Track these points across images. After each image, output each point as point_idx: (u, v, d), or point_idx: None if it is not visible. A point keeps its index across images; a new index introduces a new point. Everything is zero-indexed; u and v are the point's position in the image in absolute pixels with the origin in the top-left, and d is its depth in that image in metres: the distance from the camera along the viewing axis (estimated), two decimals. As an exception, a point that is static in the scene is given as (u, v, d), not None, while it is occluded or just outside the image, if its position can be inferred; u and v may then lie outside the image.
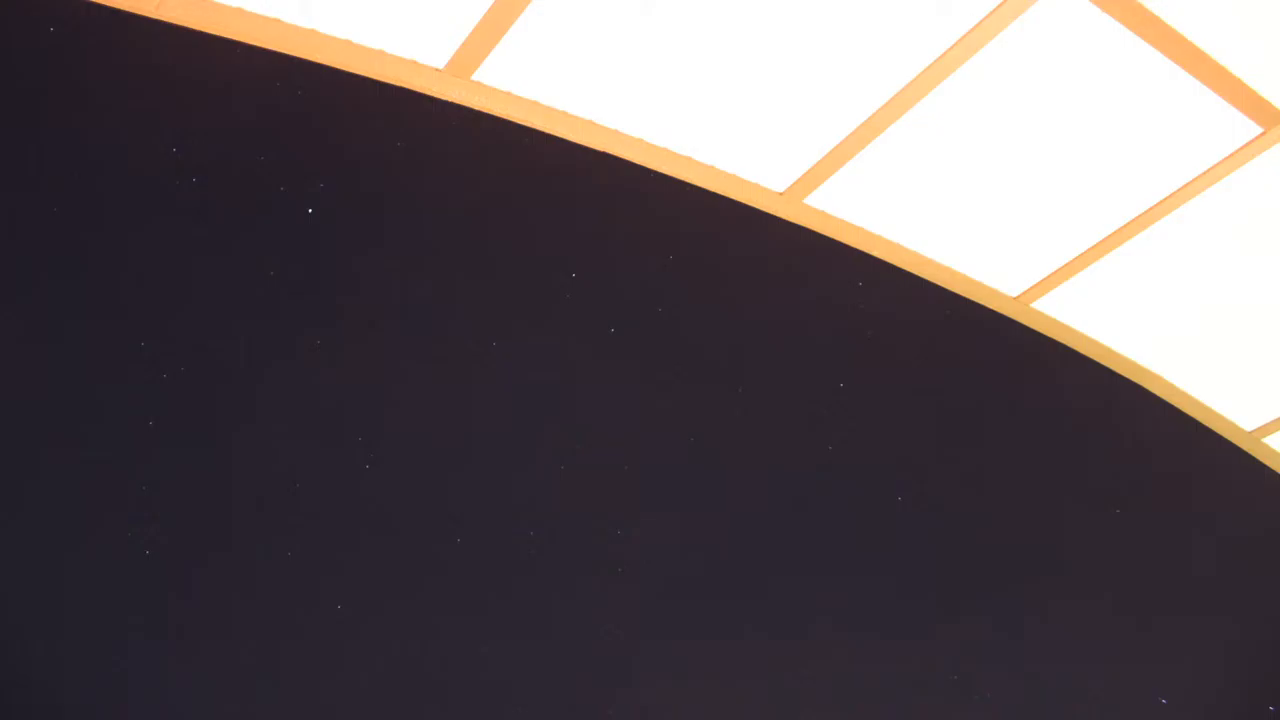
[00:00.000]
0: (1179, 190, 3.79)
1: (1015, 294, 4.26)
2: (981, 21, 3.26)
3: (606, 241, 3.68)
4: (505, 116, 3.45)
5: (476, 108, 3.43)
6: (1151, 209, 3.87)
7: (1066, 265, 4.13)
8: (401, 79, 3.32)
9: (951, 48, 3.34)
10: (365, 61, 3.25)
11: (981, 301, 4.25)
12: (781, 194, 3.85)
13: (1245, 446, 4.81)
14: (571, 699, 3.58)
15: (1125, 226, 3.96)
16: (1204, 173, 3.71)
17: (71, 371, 2.96)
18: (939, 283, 4.17)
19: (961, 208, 3.95)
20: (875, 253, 4.05)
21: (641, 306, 3.73)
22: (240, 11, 3.07)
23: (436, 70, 3.35)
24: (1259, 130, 3.55)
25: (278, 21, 3.12)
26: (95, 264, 2.99)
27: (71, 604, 2.95)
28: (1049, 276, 4.17)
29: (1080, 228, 4.00)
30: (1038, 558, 4.40)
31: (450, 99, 3.39)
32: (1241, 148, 3.60)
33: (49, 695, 2.90)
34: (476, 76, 3.38)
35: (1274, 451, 4.85)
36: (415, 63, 3.32)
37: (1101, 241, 4.03)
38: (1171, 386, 4.57)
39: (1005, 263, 4.15)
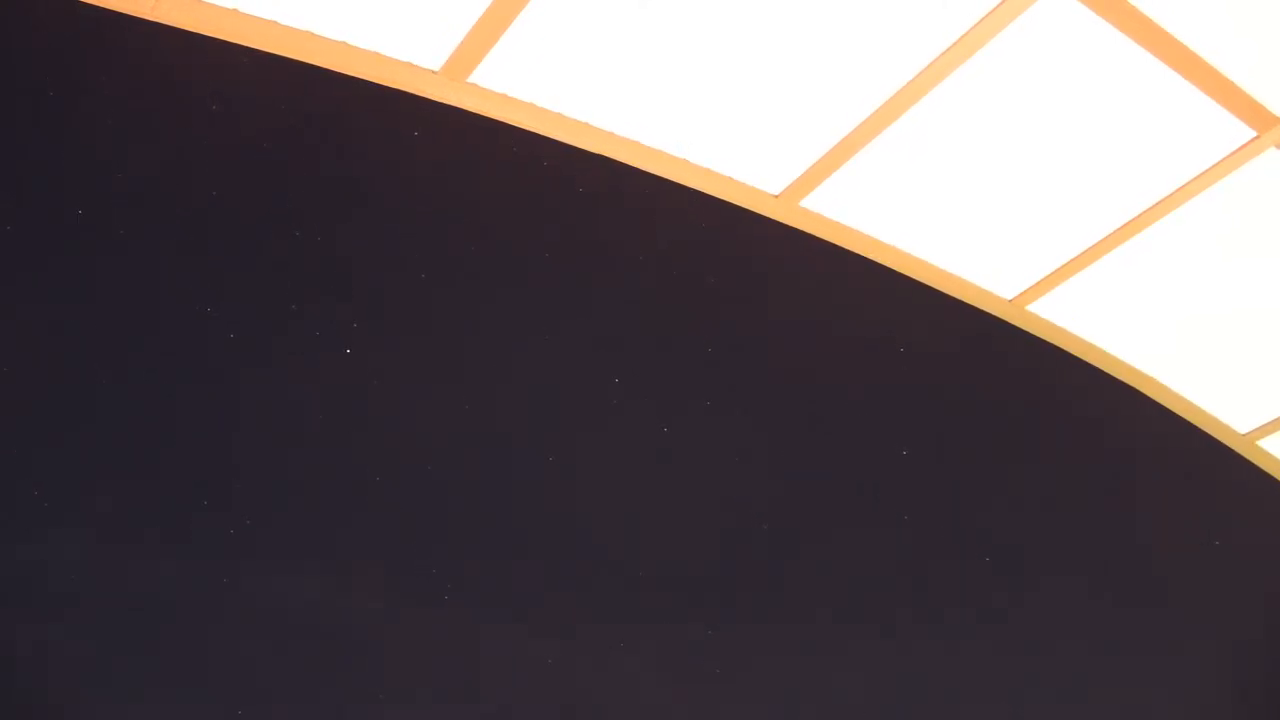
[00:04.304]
0: (1174, 194, 3.79)
1: (1010, 297, 4.27)
2: (976, 26, 3.27)
3: (602, 242, 3.69)
4: (501, 119, 3.46)
5: (472, 110, 3.43)
6: (1146, 212, 3.88)
7: (1062, 268, 4.13)
8: (398, 81, 3.32)
9: (946, 52, 3.35)
10: (361, 64, 3.26)
11: (977, 305, 4.26)
12: (777, 197, 3.85)
13: (1239, 449, 4.82)
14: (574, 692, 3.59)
15: (1120, 230, 3.96)
16: (1198, 176, 3.71)
17: (70, 369, 2.97)
18: (935, 286, 4.17)
19: (957, 211, 3.95)
20: (870, 255, 4.05)
21: (636, 306, 3.74)
22: (235, 13, 3.08)
23: (433, 73, 3.35)
24: (1253, 134, 3.56)
25: (274, 24, 3.13)
26: (93, 262, 2.99)
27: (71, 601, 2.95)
28: (1044, 280, 4.18)
29: (1075, 231, 4.00)
30: (1032, 558, 4.40)
31: (446, 101, 3.39)
32: (1235, 151, 3.61)
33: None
34: (473, 79, 3.39)
35: (1268, 454, 4.85)
36: (411, 65, 3.32)
37: (1097, 245, 4.03)
38: (1166, 389, 4.57)
39: (1000, 266, 4.15)
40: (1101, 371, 4.50)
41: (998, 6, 3.21)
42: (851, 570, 4.09)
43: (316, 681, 3.27)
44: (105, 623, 3.01)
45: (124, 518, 3.04)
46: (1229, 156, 3.62)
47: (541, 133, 3.51)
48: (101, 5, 2.93)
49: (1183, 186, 3.75)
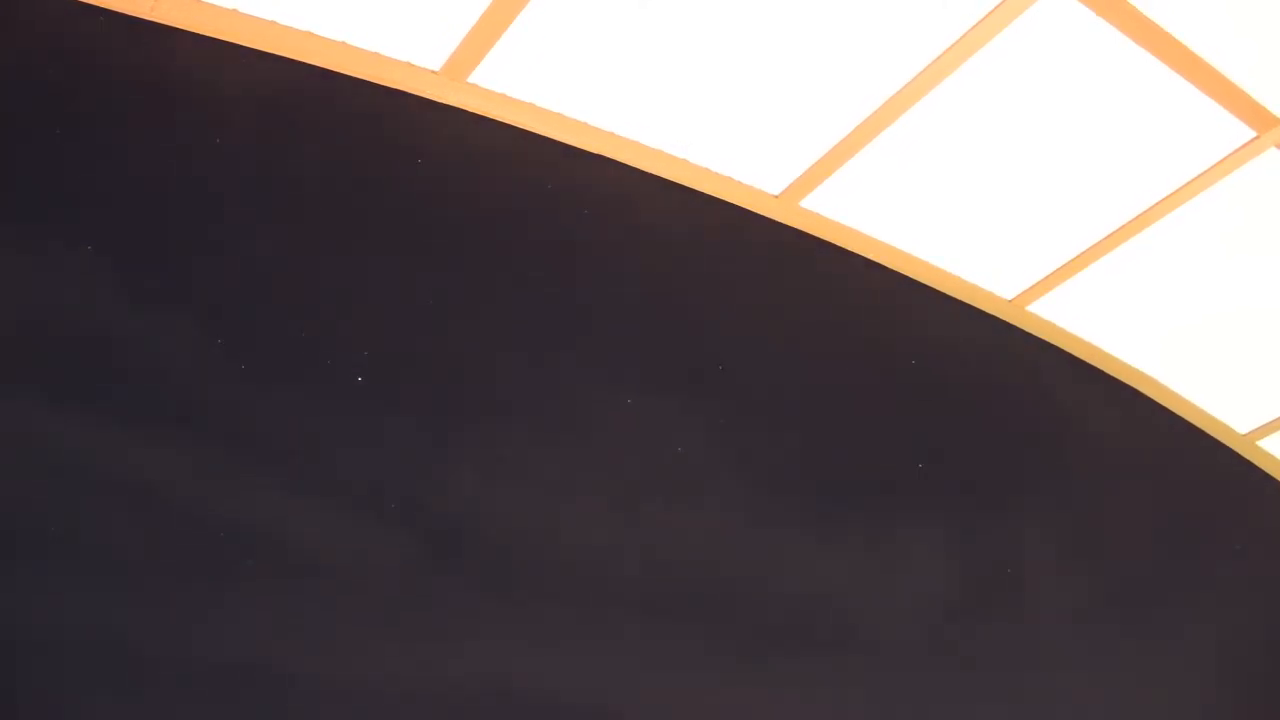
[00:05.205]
0: (1173, 194, 3.79)
1: (1010, 297, 4.27)
2: (976, 26, 3.27)
3: (602, 243, 3.68)
4: (501, 119, 3.46)
5: (472, 110, 3.43)
6: (1146, 212, 3.88)
7: (1062, 268, 4.14)
8: (398, 81, 3.32)
9: (947, 51, 3.35)
10: (361, 64, 3.26)
11: (977, 305, 4.26)
12: (777, 197, 3.85)
13: (1239, 449, 4.82)
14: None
15: (1120, 230, 3.96)
16: (1198, 176, 3.72)
17: (66, 371, 2.96)
18: (935, 286, 4.17)
19: (957, 211, 3.95)
20: (870, 255, 4.05)
21: (636, 308, 3.73)
22: (235, 13, 3.07)
23: (433, 73, 3.35)
24: (1253, 134, 3.56)
25: (273, 24, 3.13)
26: (91, 262, 2.99)
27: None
28: (1044, 280, 4.18)
29: (1075, 231, 4.01)
30: (1032, 564, 4.40)
31: (446, 102, 3.39)
32: (1236, 151, 3.61)
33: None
34: (473, 79, 3.39)
35: (1268, 454, 4.85)
36: (411, 65, 3.32)
37: (1097, 245, 4.04)
38: (1166, 389, 4.58)
39: (1000, 266, 4.15)
40: (1101, 371, 4.50)
41: (998, 6, 3.21)
42: (849, 571, 4.08)
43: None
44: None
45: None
46: (1229, 156, 3.62)
47: (541, 133, 3.51)
48: (101, 5, 2.93)
49: (1183, 186, 3.75)
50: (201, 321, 3.13)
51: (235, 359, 3.14)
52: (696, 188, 3.76)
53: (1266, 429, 4.74)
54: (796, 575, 3.92)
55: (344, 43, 3.22)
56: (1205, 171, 3.68)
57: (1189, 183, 3.73)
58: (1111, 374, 4.51)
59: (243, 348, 3.16)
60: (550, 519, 3.54)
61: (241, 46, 3.11)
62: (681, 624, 3.68)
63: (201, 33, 3.05)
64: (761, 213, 3.86)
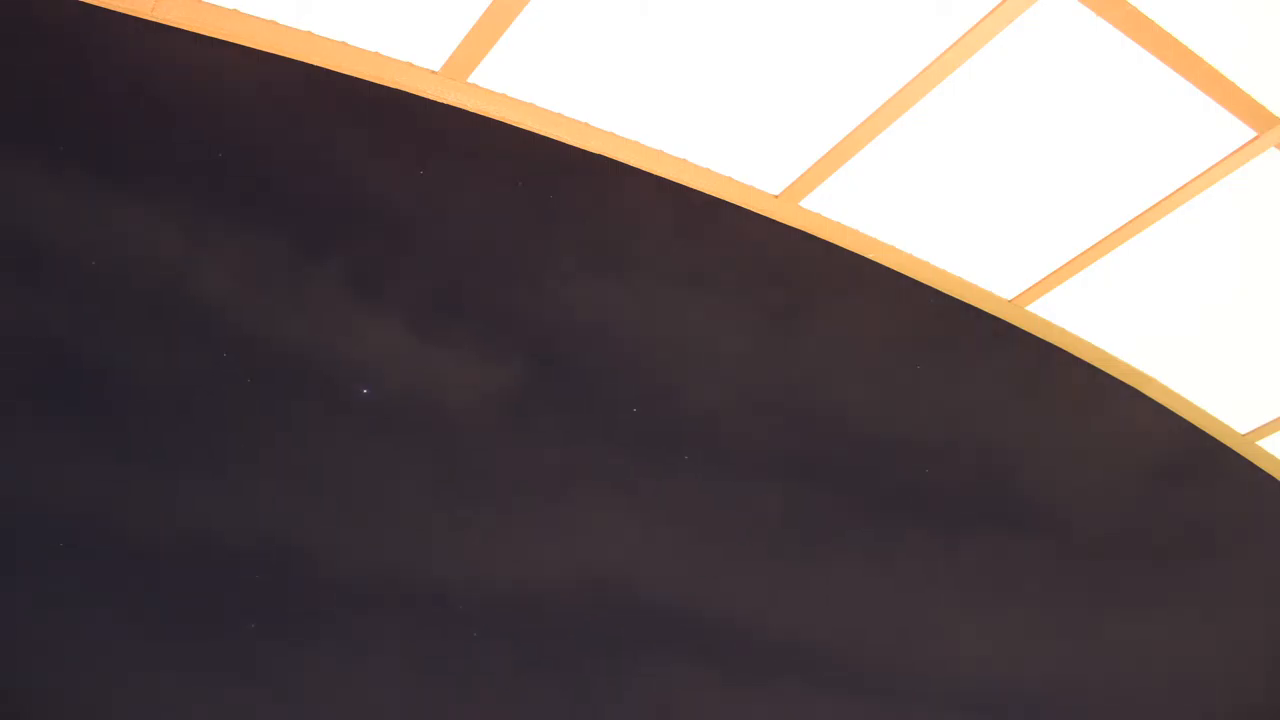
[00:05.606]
0: (1174, 194, 3.79)
1: (1010, 297, 4.26)
2: (977, 26, 3.27)
3: (602, 243, 3.69)
4: (501, 119, 3.46)
5: (472, 110, 3.43)
6: (1146, 212, 3.88)
7: (1062, 268, 4.13)
8: (397, 81, 3.32)
9: (947, 51, 3.35)
10: (361, 64, 3.26)
11: (977, 305, 4.25)
12: (777, 197, 3.85)
13: (1240, 449, 4.81)
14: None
15: (1120, 230, 3.96)
16: (1198, 176, 3.71)
17: (69, 358, 2.96)
18: (935, 286, 4.17)
19: (957, 211, 3.95)
20: (870, 255, 4.05)
21: (636, 306, 3.74)
22: (236, 14, 3.07)
23: (433, 73, 3.35)
24: (1253, 134, 3.55)
25: (273, 24, 3.13)
26: (89, 262, 2.99)
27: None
28: (1044, 279, 4.17)
29: (1075, 231, 4.00)
30: (1036, 568, 4.40)
31: (446, 101, 3.39)
32: (1235, 151, 3.61)
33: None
34: (473, 79, 3.39)
35: (1268, 454, 4.85)
36: (411, 65, 3.32)
37: (1097, 245, 4.03)
38: (1166, 389, 4.57)
39: (1001, 266, 4.15)
40: (1101, 371, 4.49)
41: (998, 6, 3.21)
42: (839, 574, 4.08)
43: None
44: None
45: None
46: (1229, 156, 3.62)
47: (541, 133, 3.51)
48: (101, 5, 2.93)
49: (1182, 187, 3.74)
50: (195, 314, 3.14)
51: (227, 326, 3.14)
52: (697, 187, 3.76)
53: (1267, 429, 4.73)
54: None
55: (344, 43, 3.22)
56: (1205, 171, 3.67)
57: (1189, 183, 3.72)
58: (1112, 373, 4.50)
59: (244, 329, 3.17)
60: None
61: (241, 46, 3.11)
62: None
63: (201, 33, 3.05)
64: (761, 212, 3.86)
